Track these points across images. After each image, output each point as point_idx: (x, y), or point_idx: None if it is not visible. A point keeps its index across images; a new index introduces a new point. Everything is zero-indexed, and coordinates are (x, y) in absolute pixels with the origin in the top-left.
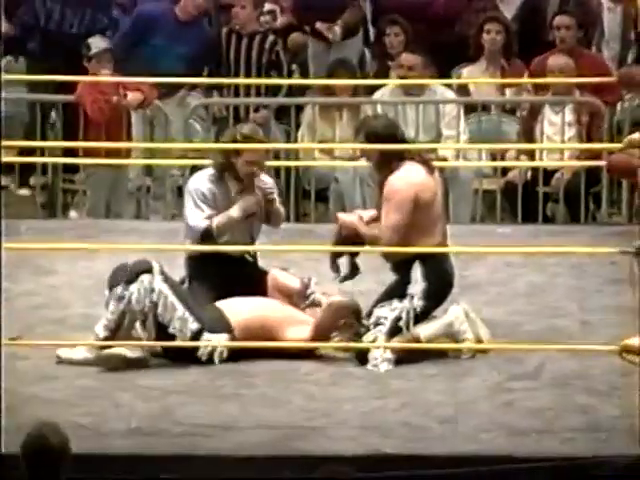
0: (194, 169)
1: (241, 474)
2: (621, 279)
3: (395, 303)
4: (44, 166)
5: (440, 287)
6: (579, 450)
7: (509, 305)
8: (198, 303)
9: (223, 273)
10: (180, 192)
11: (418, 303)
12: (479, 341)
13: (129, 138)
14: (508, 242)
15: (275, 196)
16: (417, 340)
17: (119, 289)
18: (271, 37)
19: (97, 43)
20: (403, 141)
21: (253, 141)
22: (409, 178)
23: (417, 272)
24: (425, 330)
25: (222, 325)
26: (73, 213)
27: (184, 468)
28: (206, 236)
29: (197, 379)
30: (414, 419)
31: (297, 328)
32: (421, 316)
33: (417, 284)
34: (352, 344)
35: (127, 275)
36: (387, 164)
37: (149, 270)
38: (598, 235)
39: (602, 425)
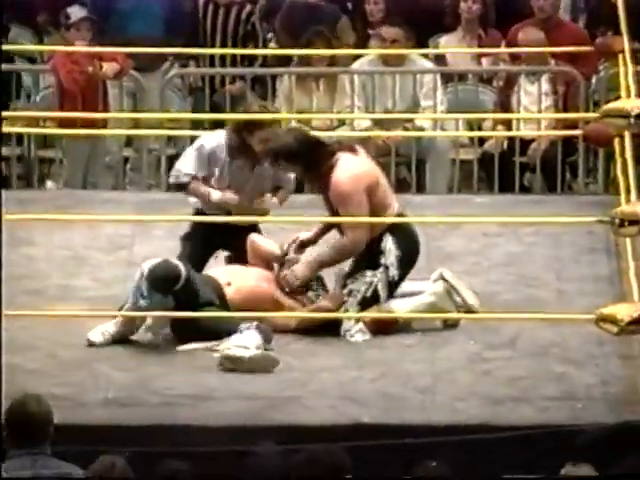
0: (170, 140)
1: (218, 444)
2: (598, 248)
3: (368, 274)
4: (19, 137)
5: (411, 254)
6: (556, 418)
7: (486, 275)
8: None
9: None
10: (159, 164)
11: (394, 272)
12: (468, 310)
13: (105, 109)
14: (485, 212)
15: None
16: (396, 318)
17: (149, 294)
18: (248, 7)
19: (76, 12)
20: (319, 142)
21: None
22: (351, 172)
23: (389, 242)
24: (404, 307)
25: (219, 299)
26: (50, 184)
27: (161, 438)
28: (178, 189)
29: (174, 349)
30: (392, 389)
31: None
32: (395, 287)
33: (391, 254)
34: (337, 314)
35: (157, 283)
36: (318, 169)
37: (177, 280)
38: (575, 204)
39: (578, 394)
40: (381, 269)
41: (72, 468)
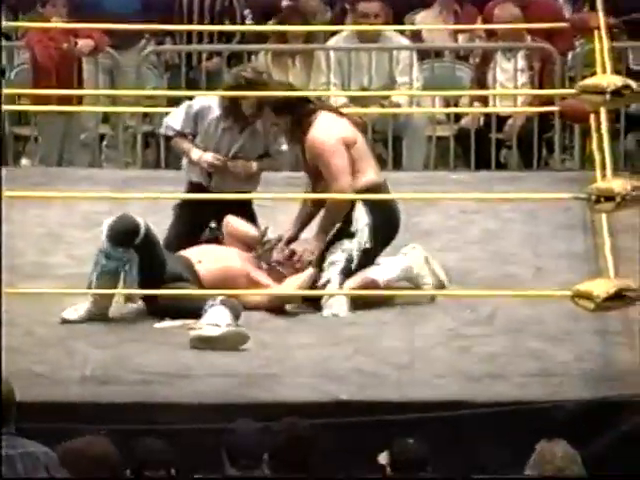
0: (146, 117)
1: (196, 421)
2: (574, 225)
3: (346, 243)
4: None
5: (385, 224)
6: (533, 395)
7: (463, 252)
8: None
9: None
10: (135, 141)
11: (365, 239)
12: (441, 286)
13: (80, 86)
14: (461, 189)
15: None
16: (375, 284)
17: (111, 250)
18: None
19: None
20: (306, 98)
21: (257, 86)
22: (326, 126)
23: (360, 210)
24: (383, 274)
25: (191, 275)
26: (25, 161)
27: (139, 416)
28: (167, 141)
29: (151, 327)
30: (369, 366)
31: (253, 288)
32: (371, 256)
33: (360, 220)
34: (314, 292)
35: (117, 236)
36: (299, 125)
37: (136, 231)
38: (551, 181)
39: (555, 370)
40: (354, 238)
41: (37, 446)
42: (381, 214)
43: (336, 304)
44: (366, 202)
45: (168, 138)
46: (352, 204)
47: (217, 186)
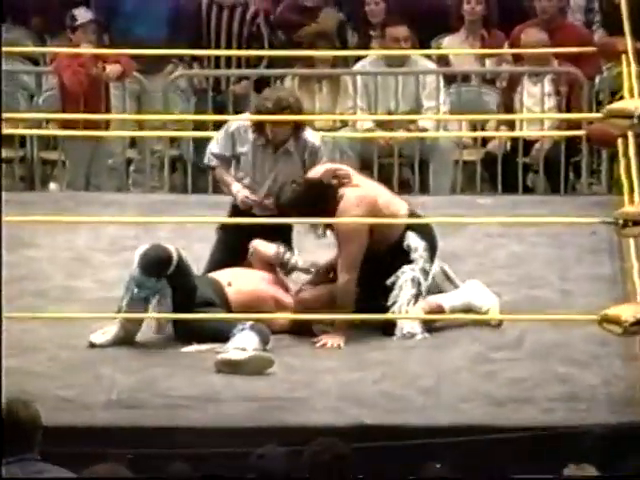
0: (173, 141)
1: (223, 446)
2: (601, 249)
3: (407, 270)
4: (22, 139)
5: (433, 249)
6: (559, 420)
7: (489, 275)
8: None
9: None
10: (162, 165)
11: (426, 265)
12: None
13: (107, 111)
14: (488, 213)
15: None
16: (441, 309)
17: (143, 279)
18: (252, 9)
19: (82, 14)
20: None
21: (278, 114)
22: (353, 204)
23: (413, 238)
24: (448, 301)
25: (220, 299)
26: (52, 185)
27: (165, 440)
28: (210, 170)
29: (178, 351)
30: (395, 390)
31: (280, 311)
32: (429, 278)
33: (418, 246)
34: (373, 316)
35: (149, 267)
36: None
37: (169, 262)
38: (578, 205)
39: (582, 394)
40: (415, 263)
41: (62, 472)
42: (428, 238)
43: (407, 324)
44: (413, 229)
45: (211, 169)
46: (401, 234)
47: (259, 210)
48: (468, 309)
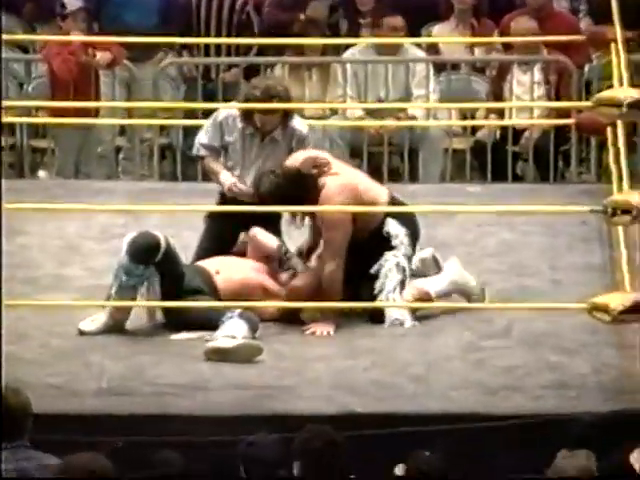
0: (163, 129)
1: (212, 434)
2: (591, 237)
3: (390, 256)
4: (11, 126)
5: (414, 234)
6: (549, 407)
7: (479, 264)
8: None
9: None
10: (152, 153)
11: (408, 250)
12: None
13: (97, 99)
14: (478, 201)
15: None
16: (429, 296)
17: (132, 267)
18: None
19: (72, 2)
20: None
21: (267, 102)
22: (335, 192)
23: (392, 224)
24: (433, 286)
25: (208, 287)
26: (42, 173)
27: (155, 428)
28: (199, 159)
29: (167, 339)
30: (385, 378)
31: (269, 299)
32: (411, 264)
33: (399, 233)
34: (362, 304)
35: (137, 254)
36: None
37: (157, 249)
38: (567, 194)
39: (572, 382)
40: (397, 250)
41: (51, 458)
42: (409, 224)
43: (396, 311)
44: (393, 216)
45: (200, 158)
46: (381, 221)
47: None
48: (455, 289)
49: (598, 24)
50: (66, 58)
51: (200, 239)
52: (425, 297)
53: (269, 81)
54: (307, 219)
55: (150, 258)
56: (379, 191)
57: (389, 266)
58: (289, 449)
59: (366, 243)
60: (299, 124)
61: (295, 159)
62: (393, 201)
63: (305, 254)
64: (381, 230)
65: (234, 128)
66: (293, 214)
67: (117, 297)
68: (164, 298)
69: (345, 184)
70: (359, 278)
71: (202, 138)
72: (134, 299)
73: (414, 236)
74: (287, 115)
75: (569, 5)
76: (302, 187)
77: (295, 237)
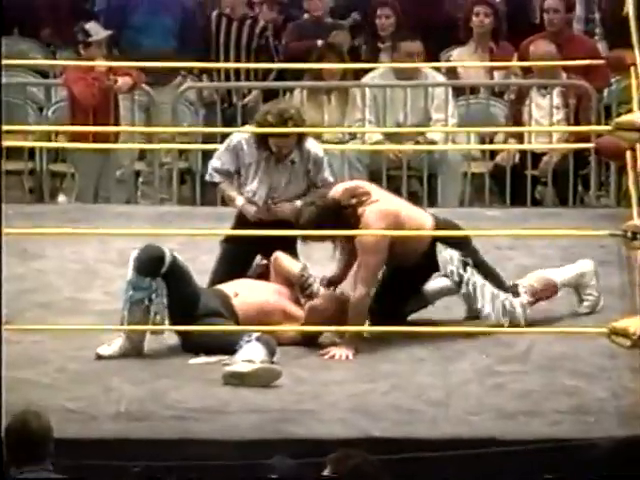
0: (182, 153)
1: (231, 458)
2: (610, 261)
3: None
4: (31, 151)
5: (467, 256)
6: (567, 432)
7: None
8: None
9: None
10: (171, 177)
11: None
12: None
13: (117, 123)
14: (497, 225)
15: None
16: (554, 284)
17: (138, 280)
18: (261, 22)
19: (95, 29)
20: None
21: (281, 127)
22: (376, 221)
23: (443, 249)
24: (560, 275)
25: (226, 310)
26: (61, 198)
27: (174, 452)
28: (213, 186)
29: (185, 362)
30: (403, 402)
31: (290, 323)
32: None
33: (452, 257)
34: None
35: (142, 266)
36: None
37: (161, 260)
38: (587, 218)
39: (590, 407)
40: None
41: None
42: (462, 247)
43: (488, 306)
44: (442, 240)
45: (214, 185)
46: (431, 248)
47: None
48: (576, 286)
49: (613, 48)
50: (89, 83)
51: (215, 263)
52: (551, 285)
53: (281, 105)
54: (340, 249)
55: (155, 270)
56: (423, 216)
57: (456, 280)
58: (307, 473)
59: (412, 269)
60: (314, 146)
61: (335, 190)
62: (439, 225)
63: (327, 284)
64: (430, 254)
65: (249, 152)
66: (333, 242)
67: (130, 316)
68: (176, 316)
69: (384, 210)
70: (397, 302)
71: (215, 163)
72: (146, 314)
73: (468, 258)
74: (302, 137)
75: (583, 28)
76: (341, 218)
77: (313, 260)
